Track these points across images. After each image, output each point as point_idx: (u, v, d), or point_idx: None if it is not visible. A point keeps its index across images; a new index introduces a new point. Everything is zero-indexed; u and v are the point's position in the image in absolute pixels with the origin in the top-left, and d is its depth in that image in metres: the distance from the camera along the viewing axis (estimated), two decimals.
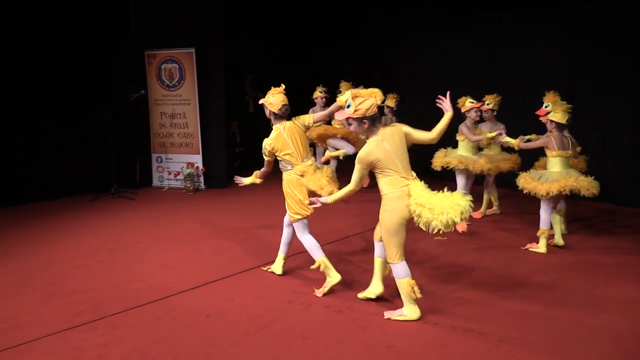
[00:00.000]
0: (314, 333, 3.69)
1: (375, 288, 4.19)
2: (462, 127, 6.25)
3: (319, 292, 4.36)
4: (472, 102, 6.23)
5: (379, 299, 4.17)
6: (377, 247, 4.19)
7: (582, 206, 6.93)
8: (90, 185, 8.08)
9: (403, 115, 8.13)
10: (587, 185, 5.16)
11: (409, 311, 3.90)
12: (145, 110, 8.79)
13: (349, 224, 6.44)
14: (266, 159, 4.62)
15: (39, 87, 7.59)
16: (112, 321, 3.89)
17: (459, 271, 4.89)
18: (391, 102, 8.06)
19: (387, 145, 3.79)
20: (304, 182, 4.47)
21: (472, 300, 4.24)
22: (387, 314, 3.96)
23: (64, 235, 6.07)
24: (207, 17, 8.43)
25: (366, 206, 7.04)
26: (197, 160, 8.68)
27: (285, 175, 4.57)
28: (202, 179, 8.69)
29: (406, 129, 3.97)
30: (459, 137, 6.32)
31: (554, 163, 5.35)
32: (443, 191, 3.72)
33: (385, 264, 4.11)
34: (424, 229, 3.70)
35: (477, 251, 5.49)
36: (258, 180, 4.81)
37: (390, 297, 4.21)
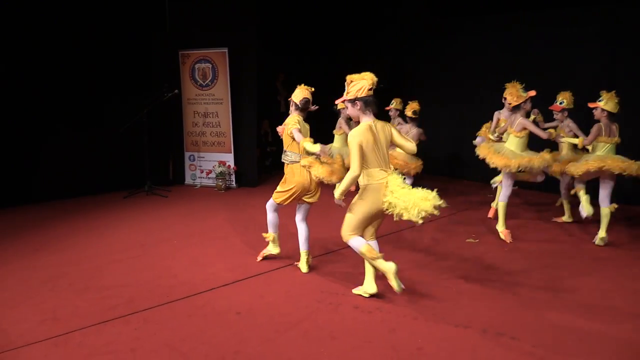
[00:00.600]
0: (343, 333, 3.68)
1: (369, 288, 4.27)
2: (526, 122, 5.51)
3: (259, 256, 5.18)
4: (524, 93, 5.63)
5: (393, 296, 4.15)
6: None
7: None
8: (124, 182, 8.26)
9: (430, 114, 8.05)
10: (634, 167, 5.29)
11: (368, 283, 4.26)
12: (178, 109, 8.93)
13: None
14: (298, 135, 4.54)
15: (76, 86, 7.78)
16: (144, 316, 3.96)
17: (491, 273, 4.81)
18: (409, 111, 7.45)
19: (375, 132, 3.99)
20: (313, 172, 4.64)
21: (504, 303, 4.16)
22: (354, 290, 4.34)
23: (99, 231, 6.21)
24: (241, 18, 8.51)
25: None
26: (229, 158, 8.77)
27: (291, 165, 4.75)
28: (233, 177, 8.78)
29: (394, 130, 4.15)
30: (519, 134, 5.61)
31: (599, 147, 5.50)
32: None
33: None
34: (395, 218, 3.92)
35: (510, 252, 5.39)
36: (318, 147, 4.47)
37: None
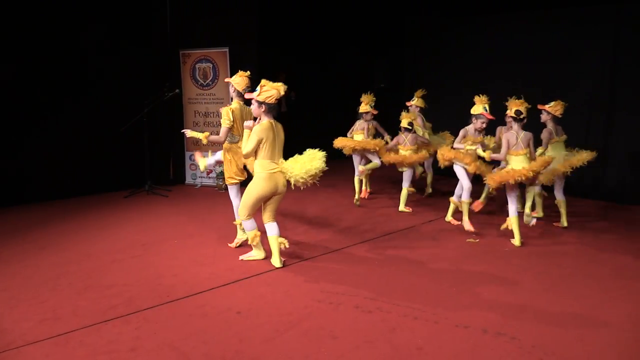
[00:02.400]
0: (343, 332, 3.69)
1: (274, 261, 4.99)
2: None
3: (232, 244, 5.58)
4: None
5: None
6: (268, 228, 4.99)
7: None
8: (125, 182, 8.25)
9: (435, 115, 8.05)
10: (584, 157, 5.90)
11: (256, 253, 5.12)
12: (179, 108, 8.93)
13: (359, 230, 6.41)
14: (226, 126, 5.20)
15: (76, 86, 7.77)
16: (145, 315, 3.97)
17: (492, 273, 4.82)
18: (420, 102, 7.60)
19: (274, 132, 4.73)
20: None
21: (505, 303, 4.17)
22: (241, 257, 5.13)
23: (100, 230, 6.21)
24: (242, 17, 8.50)
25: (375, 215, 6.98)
26: None
27: (229, 145, 5.35)
28: None
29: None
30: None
31: (552, 148, 6.03)
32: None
33: (278, 239, 4.95)
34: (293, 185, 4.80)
35: (511, 252, 5.39)
36: (205, 141, 5.32)
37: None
